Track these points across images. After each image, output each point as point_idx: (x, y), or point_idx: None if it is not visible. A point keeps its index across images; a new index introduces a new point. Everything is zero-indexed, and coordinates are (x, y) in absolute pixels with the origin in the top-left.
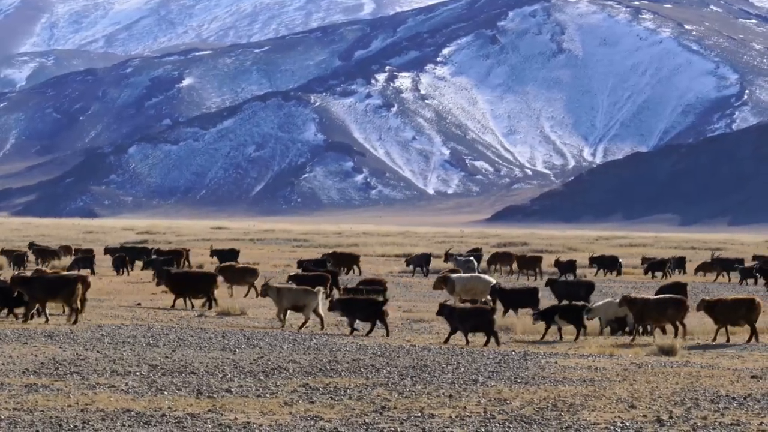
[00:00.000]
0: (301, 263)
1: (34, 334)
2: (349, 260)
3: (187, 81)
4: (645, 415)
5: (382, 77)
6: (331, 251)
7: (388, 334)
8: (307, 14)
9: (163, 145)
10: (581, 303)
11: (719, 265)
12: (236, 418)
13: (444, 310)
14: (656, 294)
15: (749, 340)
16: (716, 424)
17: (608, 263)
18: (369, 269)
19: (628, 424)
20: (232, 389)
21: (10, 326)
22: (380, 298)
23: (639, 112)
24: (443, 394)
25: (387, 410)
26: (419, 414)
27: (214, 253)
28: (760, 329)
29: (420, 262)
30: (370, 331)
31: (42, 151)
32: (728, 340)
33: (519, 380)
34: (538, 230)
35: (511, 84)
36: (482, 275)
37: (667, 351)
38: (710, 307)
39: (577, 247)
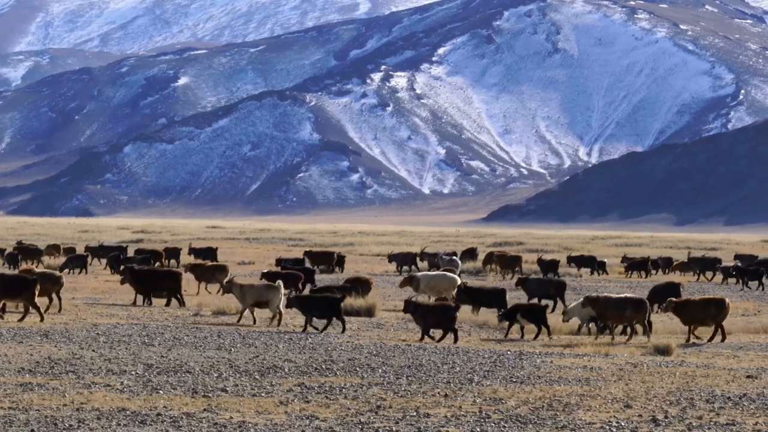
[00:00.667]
0: (279, 261)
1: (29, 333)
2: (325, 258)
3: (182, 80)
4: (640, 415)
5: (377, 77)
6: (307, 249)
7: (343, 331)
8: (303, 14)
9: (159, 145)
10: (545, 303)
11: (696, 264)
12: (232, 418)
13: (409, 307)
14: (649, 294)
15: (715, 339)
16: (712, 423)
17: (587, 263)
18: (365, 269)
19: (623, 424)
20: (227, 388)
21: (6, 325)
22: (338, 296)
23: (634, 112)
24: (439, 393)
25: (382, 409)
26: (415, 413)
27: (192, 251)
28: (756, 329)
29: (404, 261)
30: (325, 328)
31: (37, 150)
32: (688, 340)
33: (514, 380)
34: (533, 230)
35: (507, 84)
36: (448, 273)
37: (663, 351)
38: (678, 308)
39: (573, 246)
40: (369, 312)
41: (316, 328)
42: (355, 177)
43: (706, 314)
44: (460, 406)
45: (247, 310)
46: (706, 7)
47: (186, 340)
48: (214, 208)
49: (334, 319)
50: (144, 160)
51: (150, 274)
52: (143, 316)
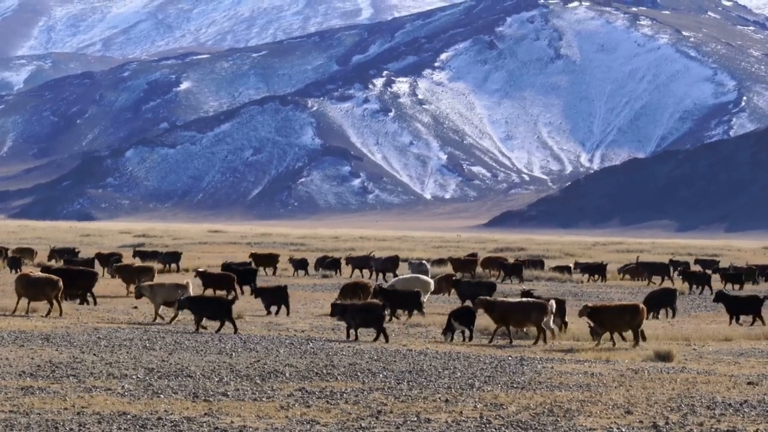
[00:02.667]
0: (225, 265)
1: (30, 336)
2: (269, 260)
3: (184, 85)
4: (641, 421)
5: (379, 82)
6: (252, 252)
7: (235, 332)
8: (305, 19)
9: (161, 149)
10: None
11: (645, 269)
12: (233, 422)
13: (336, 310)
14: (645, 299)
15: (636, 344)
16: (712, 430)
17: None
18: (365, 273)
19: (624, 430)
20: (228, 393)
21: (7, 328)
22: (229, 297)
23: (636, 118)
24: (439, 398)
25: (383, 414)
26: (415, 418)
27: (136, 253)
28: (758, 336)
29: (360, 264)
30: (219, 329)
31: (39, 154)
32: (602, 342)
33: (515, 385)
34: (535, 236)
35: (509, 89)
36: (420, 276)
37: (664, 357)
38: (594, 314)
39: (575, 252)
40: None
41: (206, 329)
42: (356, 182)
43: (622, 320)
44: (461, 412)
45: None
46: (709, 13)
47: (187, 345)
48: (215, 213)
49: (226, 321)
50: (146, 164)
51: (65, 273)
52: (144, 320)
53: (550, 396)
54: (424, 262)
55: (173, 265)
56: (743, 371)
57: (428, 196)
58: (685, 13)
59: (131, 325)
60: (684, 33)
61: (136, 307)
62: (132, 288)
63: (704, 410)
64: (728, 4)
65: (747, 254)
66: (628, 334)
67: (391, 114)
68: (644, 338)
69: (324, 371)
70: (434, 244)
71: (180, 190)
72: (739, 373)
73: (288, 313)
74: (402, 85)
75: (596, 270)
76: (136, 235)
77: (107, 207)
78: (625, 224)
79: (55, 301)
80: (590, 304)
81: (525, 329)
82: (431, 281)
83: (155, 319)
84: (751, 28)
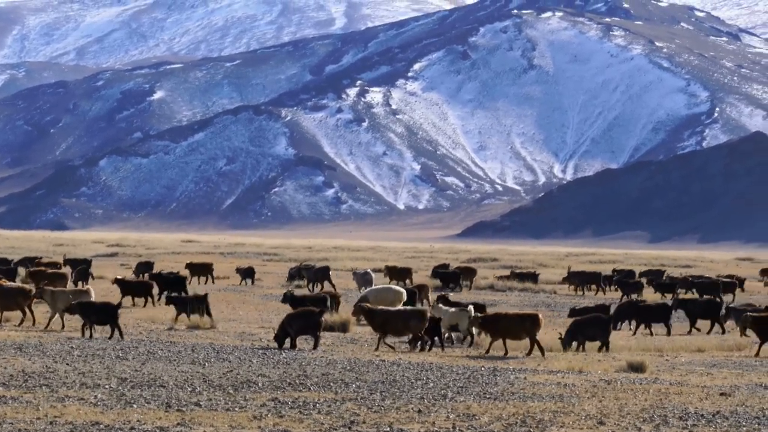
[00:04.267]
0: (154, 275)
1: (3, 346)
2: (204, 270)
3: (158, 94)
4: None
5: (353, 92)
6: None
7: (122, 337)
8: (279, 28)
9: (134, 158)
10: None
11: (576, 278)
12: None
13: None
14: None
15: (529, 353)
16: None
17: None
18: (339, 284)
19: None
20: (201, 403)
21: None
22: (115, 304)
23: (609, 129)
24: (412, 409)
25: (356, 425)
26: (388, 429)
27: (67, 262)
28: (730, 347)
29: (317, 276)
30: (111, 335)
31: (12, 163)
32: (487, 351)
33: (488, 396)
34: (508, 246)
35: (482, 100)
36: (393, 286)
37: (637, 368)
38: (487, 323)
39: (547, 263)
40: (343, 327)
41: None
42: (330, 192)
43: (521, 328)
44: (434, 422)
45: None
46: (682, 24)
47: (160, 354)
48: (188, 222)
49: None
50: (119, 173)
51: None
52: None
53: (522, 407)
54: (368, 271)
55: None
56: (716, 382)
57: (401, 207)
58: (658, 24)
59: (104, 334)
60: (657, 44)
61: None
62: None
63: (677, 421)
64: (701, 15)
65: (719, 266)
66: (525, 342)
67: (365, 124)
68: (607, 349)
69: (297, 381)
70: (408, 255)
71: (153, 200)
72: (711, 384)
73: (210, 318)
74: (375, 95)
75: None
76: (109, 245)
77: (81, 216)
78: (597, 235)
79: (27, 310)
80: (480, 315)
81: (407, 336)
82: (404, 291)
83: (47, 326)
84: (724, 39)
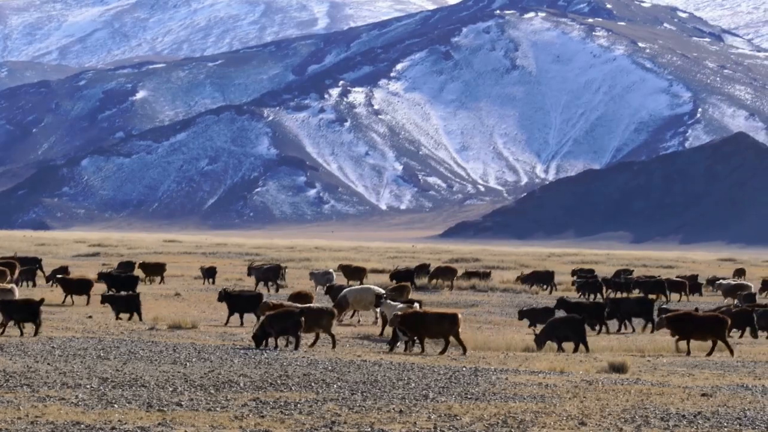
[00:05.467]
0: (102, 274)
1: None
2: (157, 270)
3: (140, 94)
4: None
5: (335, 92)
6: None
7: (35, 334)
8: (261, 28)
9: (116, 158)
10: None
11: (533, 278)
12: None
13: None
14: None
15: (444, 351)
16: None
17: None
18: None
19: None
20: (182, 402)
21: None
22: (37, 300)
23: (592, 130)
24: (393, 409)
25: (337, 425)
26: (369, 429)
27: (18, 261)
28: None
29: (266, 276)
30: (36, 332)
31: None
32: (405, 349)
33: (469, 396)
34: (490, 246)
35: (465, 100)
36: (371, 286)
37: (618, 368)
38: (406, 321)
39: (529, 263)
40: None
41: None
42: (312, 192)
43: (440, 327)
44: (415, 423)
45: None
46: (665, 25)
47: (141, 354)
48: (170, 222)
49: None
50: (101, 173)
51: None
52: (99, 330)
53: (504, 407)
54: (330, 271)
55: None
56: (697, 383)
57: (384, 207)
58: (641, 24)
59: (86, 334)
60: (640, 44)
61: (90, 317)
62: None
63: (658, 422)
64: (684, 15)
65: (702, 266)
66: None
67: (347, 124)
68: (587, 349)
69: (278, 381)
70: (389, 255)
71: (135, 200)
72: (693, 385)
73: (140, 318)
74: (358, 95)
75: (407, 277)
76: (91, 245)
77: (62, 216)
78: (580, 235)
79: None
80: (400, 313)
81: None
82: (382, 291)
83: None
84: (707, 39)
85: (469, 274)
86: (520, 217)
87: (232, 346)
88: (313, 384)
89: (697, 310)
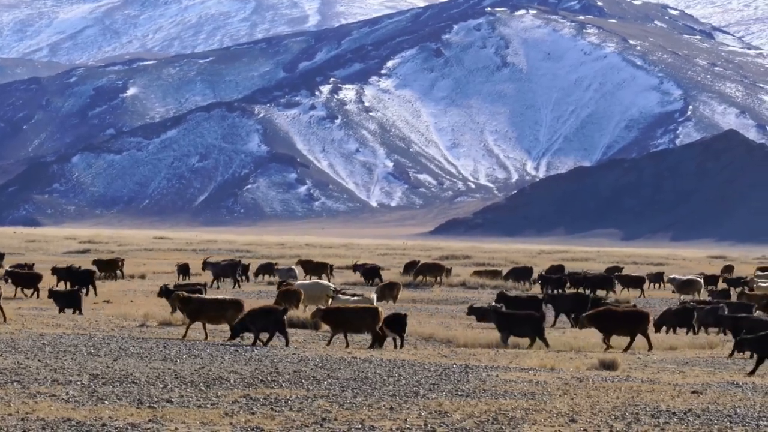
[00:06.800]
0: (57, 269)
1: None
2: (112, 266)
3: (131, 91)
4: (585, 430)
5: (326, 89)
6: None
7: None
8: (252, 25)
9: (107, 155)
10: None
11: (513, 274)
12: (177, 429)
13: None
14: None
15: (372, 346)
16: None
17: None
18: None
19: None
20: (173, 399)
21: None
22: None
23: (582, 127)
24: (384, 406)
25: (328, 422)
26: (360, 426)
27: None
28: (702, 345)
29: (223, 271)
30: None
31: None
32: (328, 344)
33: (460, 393)
34: (480, 243)
35: (455, 97)
36: (322, 281)
37: (609, 365)
38: (328, 316)
39: (519, 260)
40: (315, 325)
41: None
42: (302, 189)
43: (362, 322)
44: (406, 419)
45: None
46: (655, 22)
47: (132, 351)
48: (161, 219)
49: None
50: (92, 170)
51: None
52: (89, 327)
53: (494, 404)
54: (293, 267)
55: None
56: (687, 380)
57: (374, 204)
58: (631, 21)
59: (76, 331)
60: (630, 42)
61: (81, 313)
62: None
63: (648, 419)
64: (675, 13)
65: (692, 263)
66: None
67: (338, 121)
68: (547, 344)
69: (269, 378)
70: (380, 252)
71: (126, 197)
72: (683, 382)
73: (81, 313)
74: (348, 93)
75: (373, 274)
76: (81, 241)
77: (53, 213)
78: (570, 232)
79: None
80: (323, 307)
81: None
82: (331, 286)
83: None
84: (698, 37)
85: (479, 273)
86: (510, 215)
87: (222, 342)
88: (303, 381)
89: (634, 305)
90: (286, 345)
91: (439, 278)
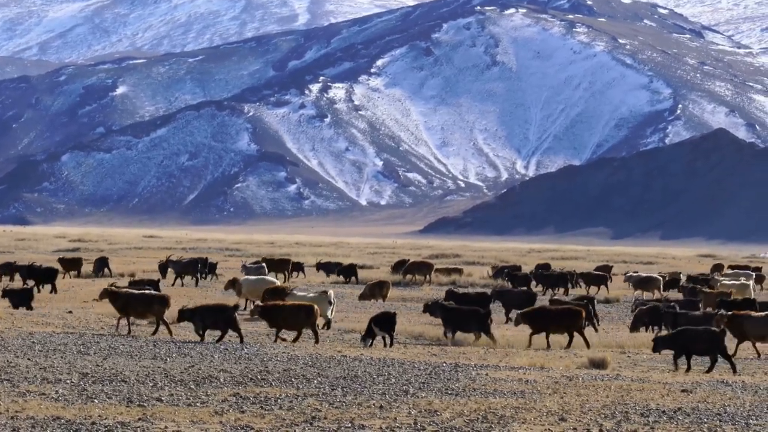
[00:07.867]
0: (16, 266)
1: None
2: (75, 264)
3: (120, 89)
4: (575, 428)
5: (315, 88)
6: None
7: None
8: (242, 24)
9: (96, 154)
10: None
11: (501, 272)
12: (166, 427)
13: (185, 314)
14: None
15: (295, 340)
16: None
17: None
18: (300, 279)
19: None
20: (162, 398)
21: None
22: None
23: (572, 126)
24: (374, 405)
25: (317, 420)
26: (349, 424)
27: None
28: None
29: (185, 270)
30: None
31: None
32: (276, 341)
33: (449, 392)
34: (470, 242)
35: (445, 96)
36: (267, 277)
37: (599, 364)
38: (266, 312)
39: (509, 259)
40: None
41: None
42: (292, 188)
43: (296, 318)
44: (395, 418)
45: None
46: (645, 21)
47: (121, 350)
48: (151, 218)
49: None
50: (81, 168)
51: None
52: (79, 325)
53: (484, 403)
54: (262, 264)
55: (106, 270)
56: (677, 379)
57: (364, 203)
58: (621, 20)
59: (66, 329)
60: (620, 40)
61: (70, 312)
62: None
63: (638, 417)
64: (664, 12)
65: (681, 262)
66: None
67: (327, 120)
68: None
69: (258, 377)
70: (370, 251)
71: (115, 195)
72: (673, 381)
73: (30, 309)
74: (338, 91)
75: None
76: (71, 240)
77: (43, 211)
78: (560, 231)
79: None
80: (261, 304)
81: (148, 320)
82: (278, 282)
83: None
84: (687, 36)
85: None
86: (500, 213)
87: (212, 341)
88: (293, 379)
89: (588, 303)
90: (240, 342)
91: (428, 277)
